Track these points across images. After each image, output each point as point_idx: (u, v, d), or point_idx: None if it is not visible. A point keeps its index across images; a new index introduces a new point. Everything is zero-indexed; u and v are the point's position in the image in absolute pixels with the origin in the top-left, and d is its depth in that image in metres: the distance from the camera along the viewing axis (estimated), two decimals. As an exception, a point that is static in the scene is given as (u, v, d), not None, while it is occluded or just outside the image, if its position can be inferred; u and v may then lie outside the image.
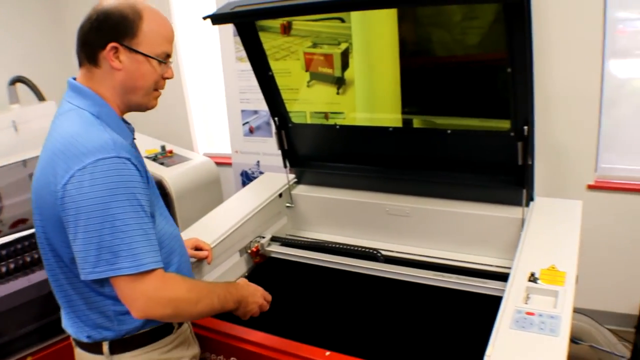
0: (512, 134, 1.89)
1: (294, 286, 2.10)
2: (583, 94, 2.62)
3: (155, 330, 1.45)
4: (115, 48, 1.32)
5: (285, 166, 2.42)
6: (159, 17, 1.38)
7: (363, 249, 2.12)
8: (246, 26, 2.09)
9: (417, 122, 2.97)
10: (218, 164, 3.95)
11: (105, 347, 1.41)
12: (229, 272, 2.13)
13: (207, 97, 4.10)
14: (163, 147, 3.00)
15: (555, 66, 2.62)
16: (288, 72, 3.04)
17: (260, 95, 3.23)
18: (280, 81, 3.07)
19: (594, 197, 2.74)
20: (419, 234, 2.21)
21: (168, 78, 1.42)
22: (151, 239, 1.28)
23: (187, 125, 4.00)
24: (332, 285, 2.07)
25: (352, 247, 2.15)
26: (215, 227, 2.14)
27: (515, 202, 2.03)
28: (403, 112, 2.91)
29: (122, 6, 1.33)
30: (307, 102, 3.06)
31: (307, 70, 2.95)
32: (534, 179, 2.03)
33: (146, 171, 1.39)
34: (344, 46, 2.87)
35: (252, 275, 2.18)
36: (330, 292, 2.05)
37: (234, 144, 3.57)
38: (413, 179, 2.21)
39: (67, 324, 1.46)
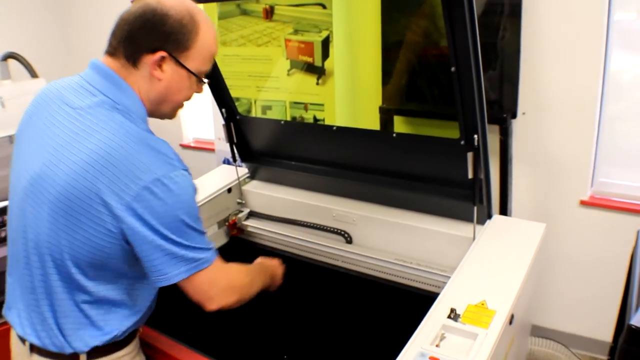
0: (462, 142, 1.65)
1: None
2: (580, 98, 2.30)
3: (127, 336, 1.36)
4: (163, 58, 1.20)
5: (234, 160, 2.25)
6: (212, 32, 1.26)
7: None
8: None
9: (397, 121, 2.76)
10: (204, 149, 3.84)
11: (84, 356, 1.30)
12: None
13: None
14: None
15: (549, 65, 2.31)
16: (269, 58, 2.87)
17: (243, 82, 3.08)
18: (260, 68, 2.90)
19: (586, 215, 2.43)
20: (364, 243, 2.02)
21: (198, 93, 1.34)
22: (204, 233, 1.27)
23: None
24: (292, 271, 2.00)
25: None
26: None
27: (470, 219, 1.79)
28: (381, 109, 2.71)
29: (180, 12, 1.19)
30: (287, 91, 2.88)
31: (287, 58, 2.78)
32: (491, 195, 1.78)
33: None
34: (324, 34, 2.68)
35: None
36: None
37: (217, 131, 3.42)
38: (362, 182, 2.00)
39: (31, 327, 1.30)
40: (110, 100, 1.21)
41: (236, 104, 3.16)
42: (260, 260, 1.68)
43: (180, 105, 1.34)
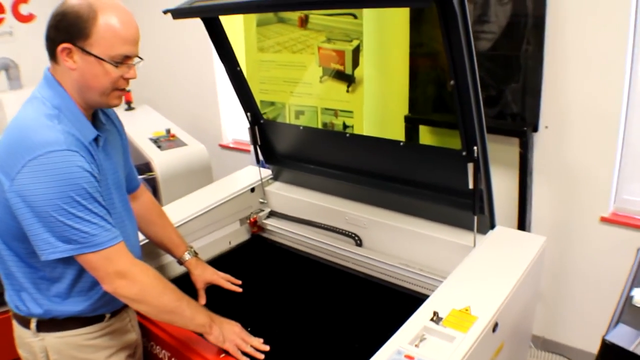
0: (463, 153, 1.70)
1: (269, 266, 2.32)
2: (603, 112, 2.28)
3: (82, 318, 1.50)
4: (68, 49, 1.32)
5: (257, 161, 2.37)
6: (117, 17, 1.33)
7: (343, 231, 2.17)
8: (211, 21, 2.04)
9: (422, 130, 2.81)
10: (242, 150, 4.00)
11: (33, 324, 1.47)
12: (224, 238, 2.31)
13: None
14: (168, 130, 3.06)
15: (573, 79, 2.30)
16: (303, 65, 3.00)
17: (279, 87, 3.21)
18: (294, 74, 3.04)
19: (606, 232, 2.39)
20: (373, 246, 2.10)
21: (130, 78, 1.40)
22: (104, 219, 1.35)
23: (218, 112, 4.06)
24: (305, 270, 2.23)
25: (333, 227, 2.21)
26: (181, 211, 2.16)
27: (473, 228, 1.83)
28: (407, 118, 2.77)
29: (80, 5, 1.31)
30: (319, 97, 3.01)
31: (320, 65, 2.89)
32: (493, 206, 1.82)
33: (102, 167, 1.44)
34: (355, 43, 2.79)
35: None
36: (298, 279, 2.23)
37: (254, 133, 3.56)
38: (374, 188, 2.07)
39: (7, 294, 1.52)
40: (40, 96, 1.36)
41: (270, 108, 3.30)
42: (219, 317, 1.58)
43: (110, 92, 1.39)
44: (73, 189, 1.28)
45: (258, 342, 1.58)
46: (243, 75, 2.20)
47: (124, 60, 1.36)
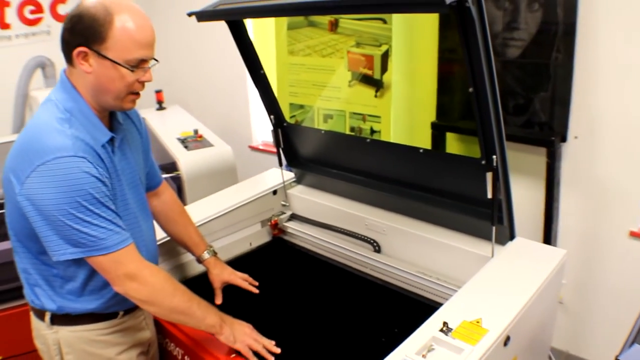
0: (483, 162, 1.67)
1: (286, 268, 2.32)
2: (633, 122, 2.19)
3: (95, 315, 1.53)
4: (84, 52, 1.33)
5: (280, 164, 2.39)
6: (133, 21, 1.32)
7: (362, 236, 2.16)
8: (236, 24, 2.06)
9: (449, 137, 2.78)
10: (271, 152, 4.03)
11: (47, 317, 1.52)
12: (245, 239, 2.34)
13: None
14: (196, 131, 3.11)
15: (604, 89, 2.23)
16: (332, 69, 3.01)
17: (308, 90, 3.23)
18: (324, 78, 3.05)
19: (635, 247, 2.30)
20: (391, 253, 2.08)
21: (146, 82, 1.41)
22: (113, 222, 1.37)
23: (248, 113, 4.10)
24: (323, 274, 2.22)
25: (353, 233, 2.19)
26: (203, 211, 2.19)
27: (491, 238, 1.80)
28: (433, 124, 2.75)
29: (96, 8, 1.31)
30: (347, 102, 3.01)
31: (349, 70, 2.90)
32: (513, 216, 1.78)
33: (116, 169, 1.46)
34: (384, 48, 2.78)
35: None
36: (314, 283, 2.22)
37: (282, 135, 3.58)
38: (394, 194, 2.06)
39: (24, 288, 1.57)
40: (53, 99, 1.39)
41: (299, 111, 3.31)
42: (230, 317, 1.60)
43: (124, 96, 1.39)
44: (80, 194, 1.30)
45: (269, 343, 1.59)
46: (266, 78, 2.22)
47: (139, 64, 1.36)
